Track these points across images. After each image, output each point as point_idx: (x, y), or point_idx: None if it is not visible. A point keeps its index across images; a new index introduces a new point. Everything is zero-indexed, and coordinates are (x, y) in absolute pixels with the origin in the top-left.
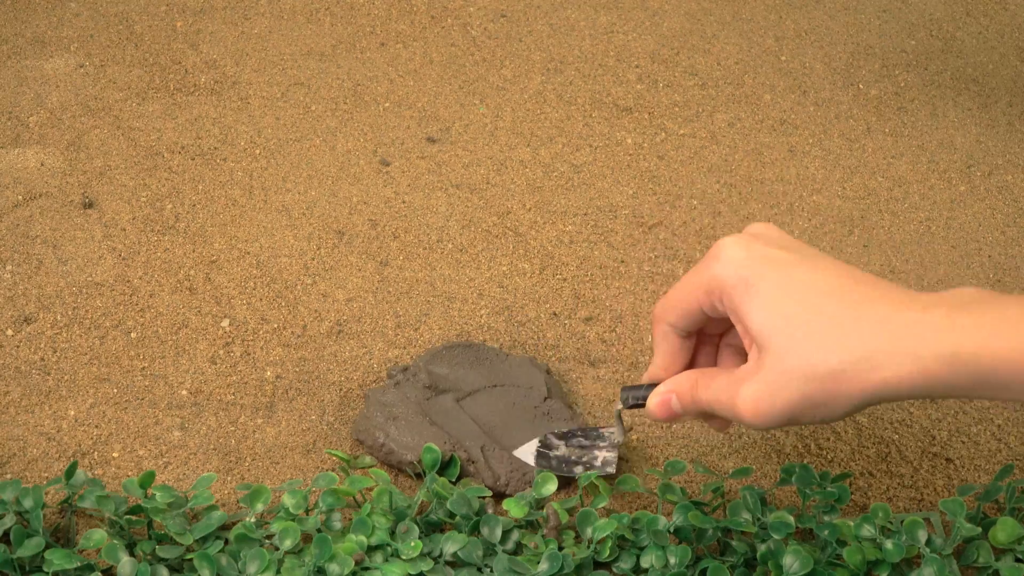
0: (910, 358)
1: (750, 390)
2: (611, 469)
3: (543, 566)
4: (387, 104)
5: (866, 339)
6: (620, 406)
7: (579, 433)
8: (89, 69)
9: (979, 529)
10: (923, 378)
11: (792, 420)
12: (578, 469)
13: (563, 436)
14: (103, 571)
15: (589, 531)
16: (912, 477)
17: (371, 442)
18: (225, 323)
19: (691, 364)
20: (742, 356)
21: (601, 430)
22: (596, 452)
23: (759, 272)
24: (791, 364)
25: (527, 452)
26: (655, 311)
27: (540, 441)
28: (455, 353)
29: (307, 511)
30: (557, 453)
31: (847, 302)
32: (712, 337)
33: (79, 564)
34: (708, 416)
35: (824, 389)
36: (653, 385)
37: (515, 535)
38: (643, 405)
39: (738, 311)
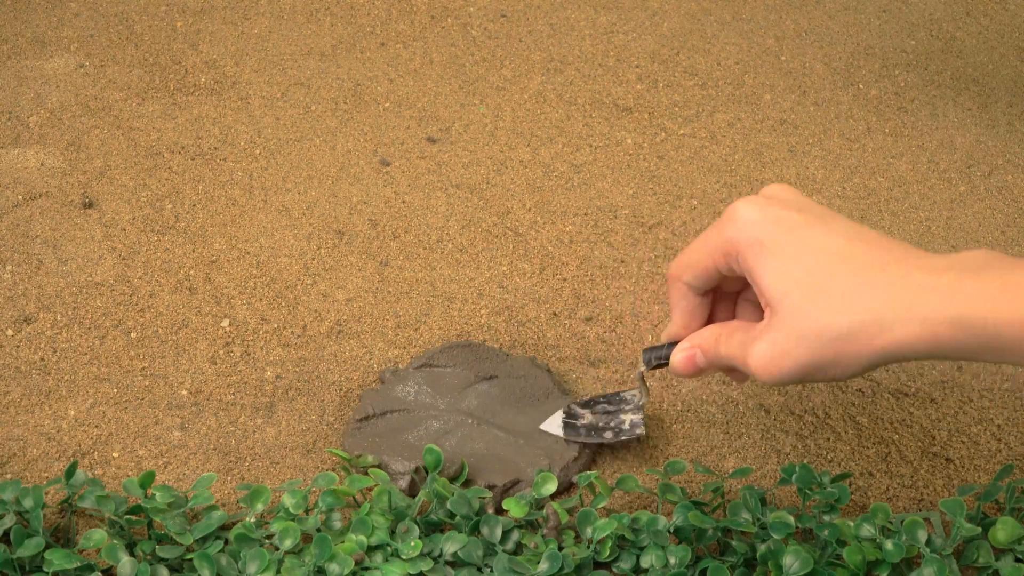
0: (919, 321)
1: (762, 348)
2: (640, 431)
3: (543, 566)
4: (387, 104)
5: (876, 302)
6: (643, 367)
7: (602, 400)
8: (89, 69)
9: (979, 529)
10: (932, 340)
11: (803, 378)
12: (608, 435)
13: (586, 404)
14: (103, 571)
15: (589, 531)
16: (912, 477)
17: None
18: (225, 323)
19: (710, 320)
20: (761, 310)
21: (623, 394)
22: (622, 416)
23: (773, 234)
24: (802, 325)
25: (554, 424)
26: (670, 270)
27: (564, 411)
28: (454, 353)
29: (307, 511)
30: (584, 422)
31: (858, 265)
32: (730, 294)
33: (79, 564)
34: (729, 369)
35: (834, 349)
36: (673, 344)
37: (515, 535)
38: (665, 364)
39: (752, 272)
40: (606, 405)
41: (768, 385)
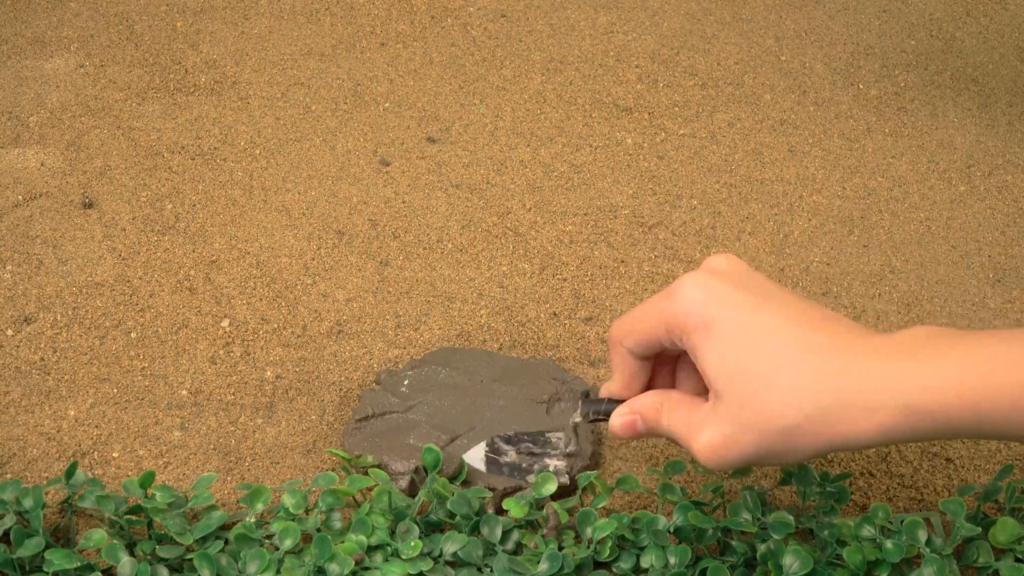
0: (864, 413)
1: (706, 436)
2: (564, 480)
3: (543, 566)
4: (387, 104)
5: (820, 395)
6: (578, 419)
7: (527, 439)
8: (89, 69)
9: (979, 529)
10: (879, 431)
11: (750, 464)
12: (531, 478)
13: (510, 441)
14: (103, 571)
15: (589, 531)
16: (912, 477)
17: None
18: (225, 323)
19: (650, 383)
20: (699, 377)
21: (549, 436)
22: (547, 460)
23: (717, 315)
24: (747, 417)
25: (475, 457)
26: (612, 333)
27: (488, 444)
28: (452, 355)
29: (307, 511)
30: (507, 459)
31: (803, 353)
32: (671, 357)
33: (79, 564)
34: (667, 439)
35: (782, 441)
36: (614, 401)
37: (515, 535)
38: (604, 420)
39: (696, 353)
40: (531, 446)
41: (713, 472)
